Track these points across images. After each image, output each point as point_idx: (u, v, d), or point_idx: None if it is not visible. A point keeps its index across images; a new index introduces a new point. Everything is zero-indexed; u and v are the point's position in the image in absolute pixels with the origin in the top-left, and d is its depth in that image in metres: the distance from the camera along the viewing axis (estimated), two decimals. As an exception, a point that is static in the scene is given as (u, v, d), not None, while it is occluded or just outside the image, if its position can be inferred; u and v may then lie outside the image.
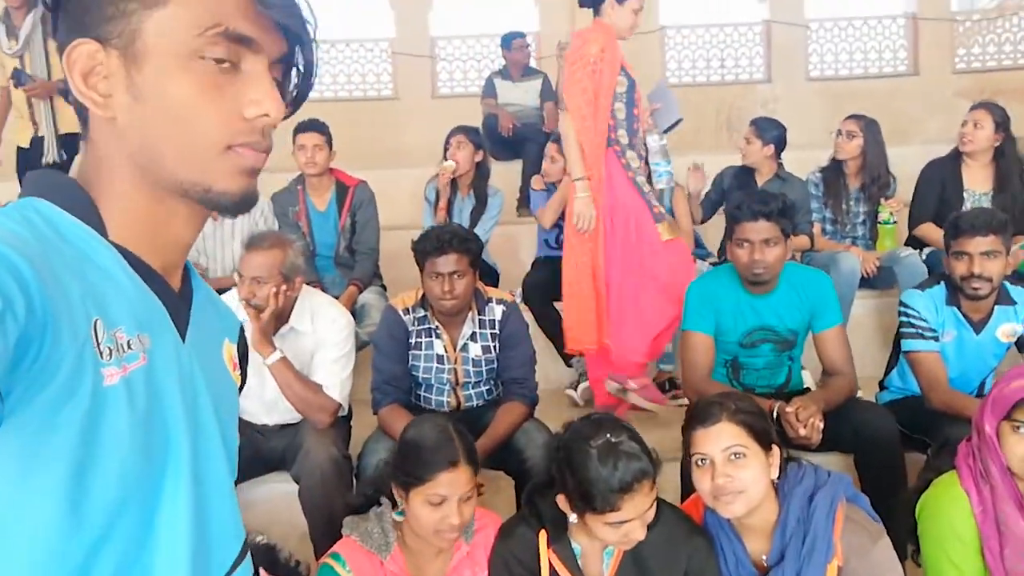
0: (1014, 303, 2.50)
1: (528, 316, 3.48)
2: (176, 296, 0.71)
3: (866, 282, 3.52)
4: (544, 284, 3.58)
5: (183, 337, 0.70)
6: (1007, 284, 2.50)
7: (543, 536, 1.77)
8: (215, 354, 0.77)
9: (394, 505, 1.86)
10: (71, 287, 0.58)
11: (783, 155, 3.80)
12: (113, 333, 0.61)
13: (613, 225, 2.87)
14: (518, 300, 3.62)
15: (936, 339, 2.49)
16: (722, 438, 1.68)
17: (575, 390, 3.32)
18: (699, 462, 1.71)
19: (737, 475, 1.66)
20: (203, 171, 0.66)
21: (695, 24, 7.48)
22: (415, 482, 1.77)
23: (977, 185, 3.49)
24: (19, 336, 0.52)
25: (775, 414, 2.28)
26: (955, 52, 7.37)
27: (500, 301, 2.51)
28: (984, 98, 4.60)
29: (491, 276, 3.77)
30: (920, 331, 2.48)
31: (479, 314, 2.50)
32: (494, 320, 2.49)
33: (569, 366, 3.40)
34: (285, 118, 0.72)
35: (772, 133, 3.69)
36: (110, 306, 0.61)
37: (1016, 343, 2.54)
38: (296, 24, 0.68)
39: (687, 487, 2.17)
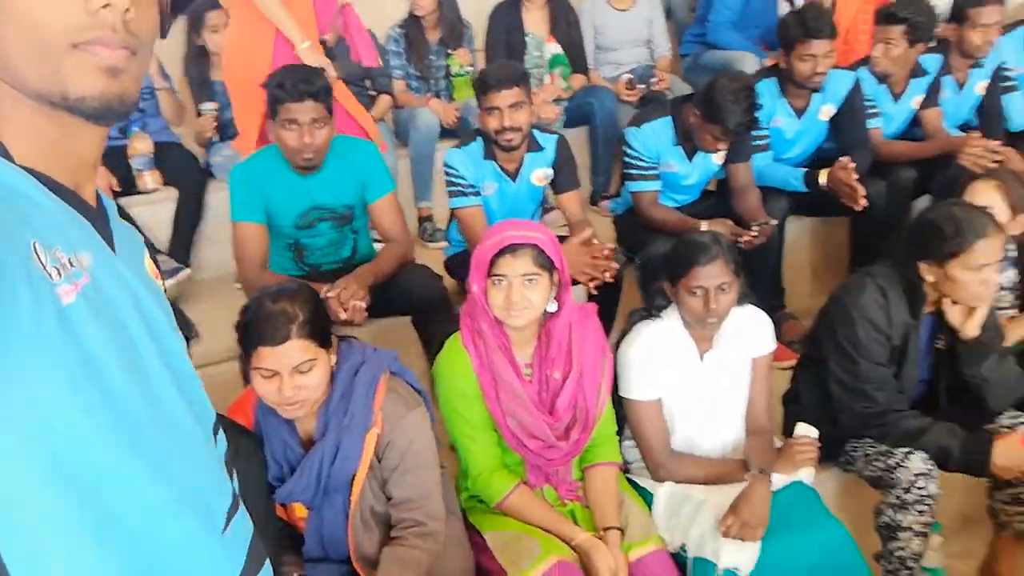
0: (542, 148, 2.68)
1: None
2: (95, 212, 0.71)
3: (448, 132, 3.60)
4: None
5: (112, 250, 0.70)
6: (535, 131, 2.67)
7: None
8: (141, 263, 0.77)
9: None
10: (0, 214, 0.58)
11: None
12: (53, 253, 0.60)
13: None
14: None
15: (477, 194, 2.62)
16: (292, 356, 1.61)
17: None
18: (263, 375, 1.63)
19: (305, 383, 1.63)
20: (54, 76, 0.63)
21: None
22: None
23: (536, 28, 3.65)
24: None
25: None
26: None
27: None
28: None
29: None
30: (461, 188, 2.60)
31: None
32: None
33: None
34: (168, 17, 0.72)
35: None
36: (41, 229, 0.61)
37: (551, 184, 2.75)
38: None
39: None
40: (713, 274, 1.93)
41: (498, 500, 1.89)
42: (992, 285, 1.92)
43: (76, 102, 0.65)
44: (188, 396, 0.74)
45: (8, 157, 0.64)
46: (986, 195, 2.18)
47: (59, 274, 0.60)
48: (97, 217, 0.71)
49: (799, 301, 3.15)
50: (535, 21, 3.67)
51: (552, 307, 1.90)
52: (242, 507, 0.81)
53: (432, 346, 2.42)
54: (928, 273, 1.96)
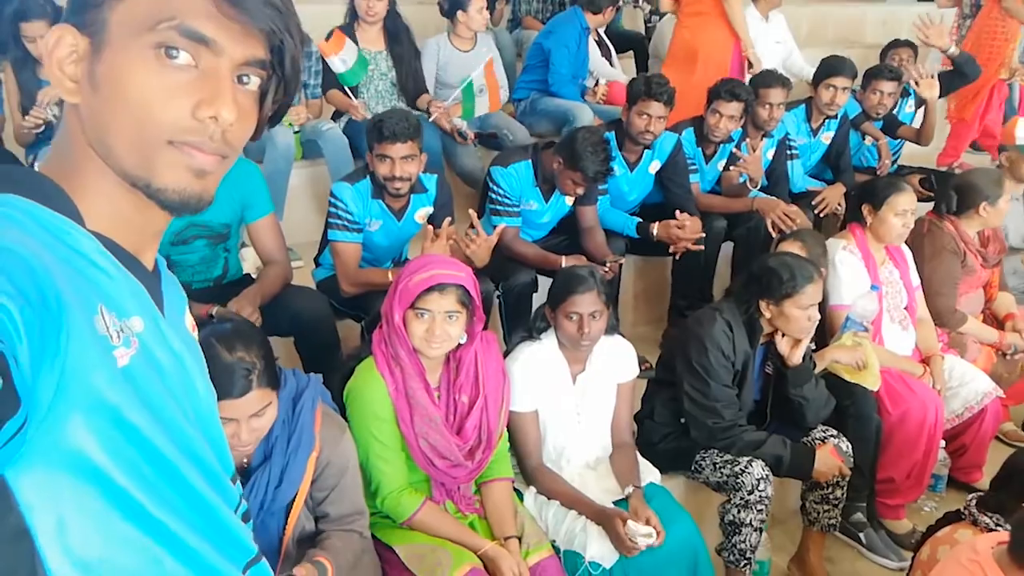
0: (426, 190, 2.80)
1: None
2: (151, 276, 0.75)
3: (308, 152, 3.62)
4: None
5: (162, 312, 0.73)
6: (421, 174, 2.76)
7: None
8: (183, 323, 0.80)
9: None
10: (71, 277, 0.61)
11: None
12: (112, 317, 0.64)
13: None
14: None
15: (360, 231, 2.68)
16: (252, 405, 1.60)
17: None
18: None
19: (260, 426, 1.64)
20: (145, 164, 0.68)
21: None
22: None
23: (371, 44, 3.80)
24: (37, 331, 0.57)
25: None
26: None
27: None
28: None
29: None
30: (345, 223, 2.65)
31: None
32: None
33: None
34: (264, 127, 0.76)
35: None
36: (105, 294, 0.64)
37: (428, 219, 2.86)
38: (269, 28, 0.69)
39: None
40: (587, 302, 2.19)
41: (408, 516, 1.99)
42: (814, 321, 2.37)
43: (157, 191, 0.69)
44: (213, 452, 0.77)
45: (80, 222, 0.67)
46: (792, 252, 2.64)
47: (118, 337, 0.64)
48: (152, 282, 0.75)
49: (623, 329, 3.52)
50: (369, 39, 3.83)
51: (463, 339, 2.05)
52: (263, 560, 0.84)
53: (314, 365, 2.45)
54: (766, 310, 2.36)
